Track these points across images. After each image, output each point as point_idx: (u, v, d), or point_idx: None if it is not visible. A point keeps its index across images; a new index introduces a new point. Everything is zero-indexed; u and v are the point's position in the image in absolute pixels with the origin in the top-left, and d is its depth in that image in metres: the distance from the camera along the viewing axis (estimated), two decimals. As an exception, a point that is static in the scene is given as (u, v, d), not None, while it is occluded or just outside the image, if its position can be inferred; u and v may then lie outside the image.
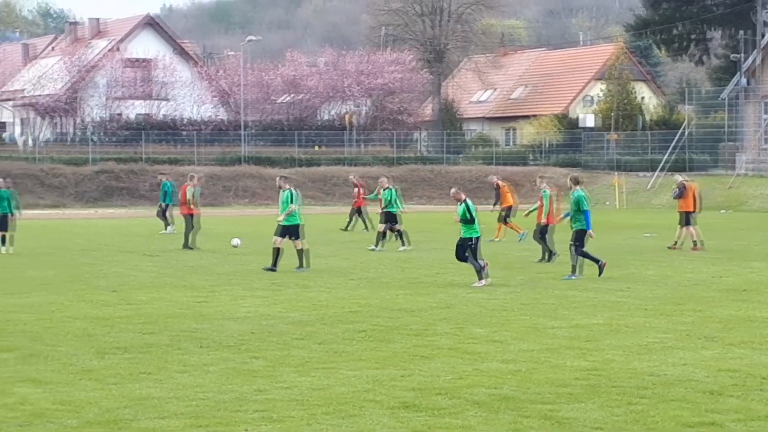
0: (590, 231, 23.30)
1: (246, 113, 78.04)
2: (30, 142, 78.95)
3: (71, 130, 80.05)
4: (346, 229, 39.75)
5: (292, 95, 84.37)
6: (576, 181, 24.08)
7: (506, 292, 20.65)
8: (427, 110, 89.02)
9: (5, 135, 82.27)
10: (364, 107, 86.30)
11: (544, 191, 27.32)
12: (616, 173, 68.04)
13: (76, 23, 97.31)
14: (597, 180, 69.73)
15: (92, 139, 75.63)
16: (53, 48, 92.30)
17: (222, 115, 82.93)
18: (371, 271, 24.73)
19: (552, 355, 13.86)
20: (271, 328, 16.02)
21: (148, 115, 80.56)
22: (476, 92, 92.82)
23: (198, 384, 11.97)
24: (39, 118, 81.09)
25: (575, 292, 20.71)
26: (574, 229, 23.39)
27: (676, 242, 30.67)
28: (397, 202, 32.00)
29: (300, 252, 25.06)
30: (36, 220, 46.23)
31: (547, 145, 78.98)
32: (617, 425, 10.25)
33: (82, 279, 23.18)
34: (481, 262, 21.96)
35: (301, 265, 24.96)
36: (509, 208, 34.45)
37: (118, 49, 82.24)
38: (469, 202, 22.11)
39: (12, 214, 30.63)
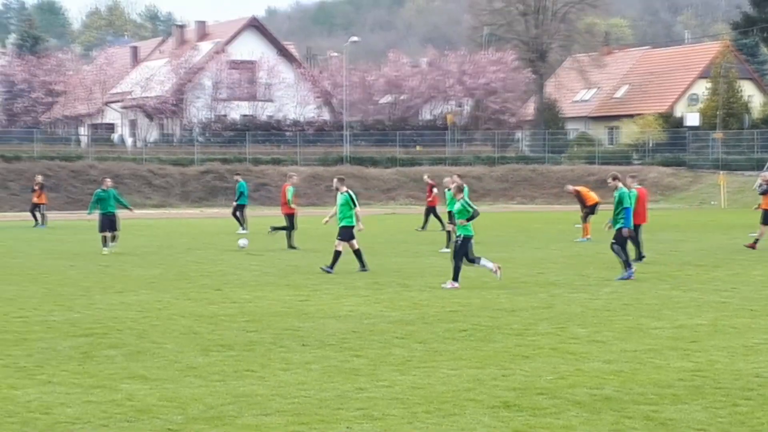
0: (626, 228, 22.91)
1: (348, 114, 78.38)
2: (137, 143, 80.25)
3: (177, 131, 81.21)
4: (423, 229, 39.73)
5: (393, 95, 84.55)
6: (615, 178, 23.78)
7: (608, 292, 20.47)
8: (529, 110, 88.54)
9: (114, 136, 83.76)
10: (466, 107, 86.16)
11: (632, 191, 27.03)
12: (720, 172, 67.00)
13: (182, 26, 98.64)
14: (701, 179, 68.77)
15: (197, 140, 76.61)
16: (160, 51, 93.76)
17: (324, 115, 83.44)
18: (472, 271, 24.67)
19: (655, 355, 13.72)
20: (373, 327, 16.10)
21: (251, 116, 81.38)
22: (578, 91, 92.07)
23: (300, 382, 12.07)
24: (146, 120, 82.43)
25: (679, 292, 20.46)
26: (615, 228, 23.11)
27: (756, 240, 30.27)
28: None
29: (357, 252, 24.83)
30: (143, 220, 47.03)
31: (650, 145, 78.07)
32: (721, 427, 10.11)
33: (187, 277, 23.51)
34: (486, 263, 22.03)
35: (363, 266, 24.75)
36: (594, 205, 34.36)
37: (223, 51, 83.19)
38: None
39: (113, 214, 30.97)
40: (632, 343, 14.68)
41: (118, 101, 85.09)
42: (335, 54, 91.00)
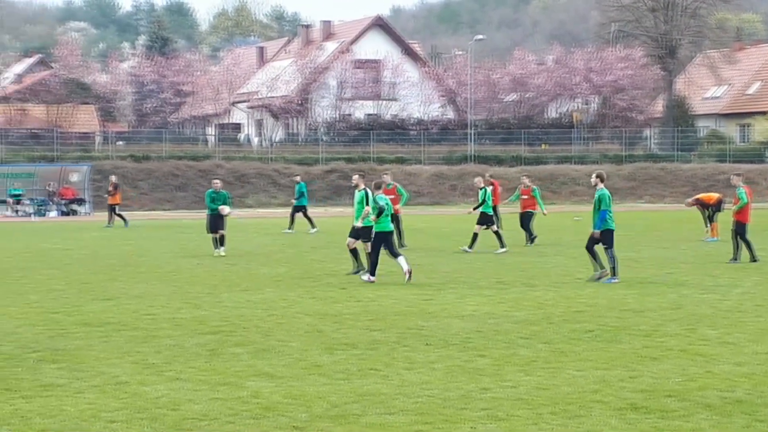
0: (596, 231, 22.17)
1: (473, 112, 78.19)
2: (263, 142, 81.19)
3: (302, 131, 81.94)
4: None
5: (519, 93, 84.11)
6: (599, 177, 22.72)
7: (740, 293, 20.02)
8: (657, 107, 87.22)
9: (240, 136, 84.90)
10: (592, 104, 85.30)
11: (739, 189, 26.42)
12: None
13: (308, 26, 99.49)
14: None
15: (322, 139, 77.20)
16: (286, 51, 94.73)
17: (449, 114, 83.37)
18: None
19: (788, 358, 13.35)
20: (497, 327, 15.98)
21: (376, 115, 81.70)
22: (709, 88, 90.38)
23: (424, 381, 12.03)
24: (272, 119, 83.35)
25: (813, 293, 19.90)
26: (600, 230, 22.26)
27: None
28: (493, 201, 30.98)
29: (354, 252, 24.11)
30: (268, 219, 47.52)
31: (784, 142, 76.38)
32: None
33: (312, 276, 23.65)
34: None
35: (357, 269, 24.00)
36: (719, 203, 33.94)
37: (348, 51, 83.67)
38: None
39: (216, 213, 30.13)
40: (765, 345, 14.32)
41: (244, 101, 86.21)
42: (460, 52, 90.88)
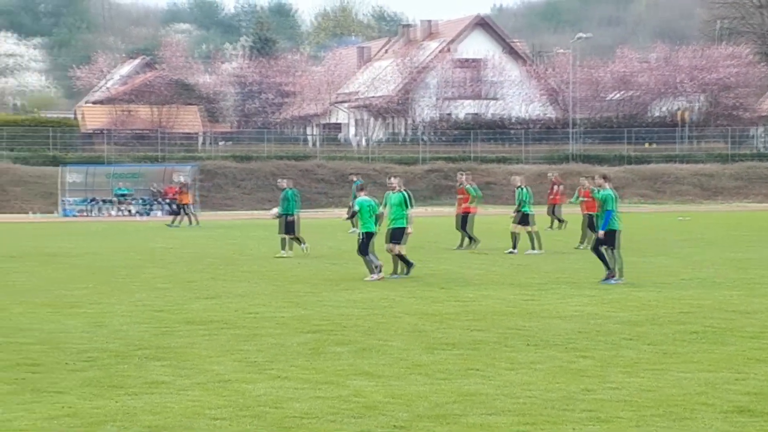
0: (601, 232, 21.88)
1: (575, 111, 77.56)
2: (364, 142, 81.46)
3: (402, 130, 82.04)
4: (551, 228, 38.86)
5: (622, 92, 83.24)
6: (606, 179, 22.44)
7: None
8: (765, 105, 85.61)
9: (341, 136, 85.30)
10: (697, 103, 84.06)
11: None
12: None
13: (409, 26, 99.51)
14: None
15: (422, 139, 77.19)
16: (387, 50, 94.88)
17: (551, 113, 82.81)
18: (703, 270, 24.03)
19: None
20: (600, 328, 15.81)
21: (477, 114, 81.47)
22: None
23: (525, 382, 11.95)
24: (372, 119, 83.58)
25: None
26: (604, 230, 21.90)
27: None
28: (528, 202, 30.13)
29: (398, 257, 23.56)
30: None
31: None
32: None
33: (414, 275, 23.63)
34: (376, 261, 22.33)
35: (395, 271, 23.55)
36: None
37: (449, 50, 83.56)
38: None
39: (292, 215, 29.69)
40: None
41: (345, 101, 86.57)
42: (562, 50, 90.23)
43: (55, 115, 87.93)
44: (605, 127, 78.49)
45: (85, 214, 58.99)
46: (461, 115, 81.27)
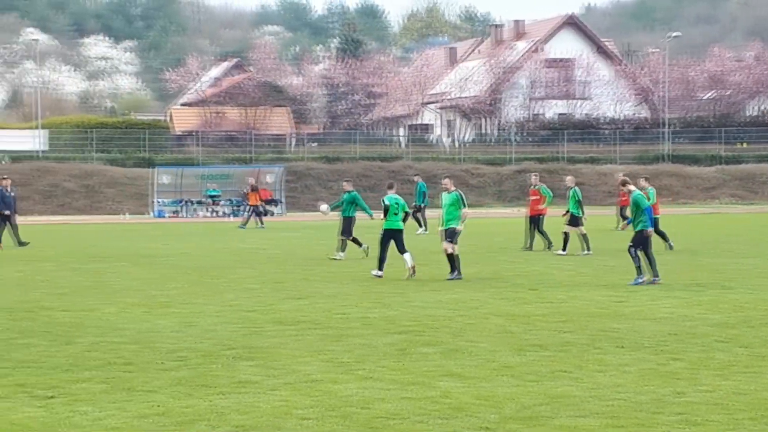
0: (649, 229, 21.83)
1: (668, 110, 76.68)
2: (454, 143, 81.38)
3: (492, 131, 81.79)
4: (617, 228, 38.20)
5: (714, 91, 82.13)
6: (624, 183, 22.54)
7: None
8: None
9: (431, 136, 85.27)
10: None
11: None
12: None
13: (499, 26, 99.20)
14: None
15: (512, 140, 76.89)
16: (477, 51, 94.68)
17: (643, 112, 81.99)
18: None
19: None
20: (692, 330, 15.59)
21: (567, 114, 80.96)
22: None
23: (616, 384, 11.81)
24: (462, 120, 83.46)
25: None
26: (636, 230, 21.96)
27: None
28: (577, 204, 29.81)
29: (449, 257, 23.23)
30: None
31: None
32: None
33: (502, 277, 23.55)
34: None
35: (453, 271, 23.16)
36: None
37: (539, 50, 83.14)
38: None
39: (351, 217, 29.64)
40: None
41: (435, 102, 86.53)
42: (655, 50, 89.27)
43: (146, 118, 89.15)
44: (698, 126, 77.52)
45: (176, 215, 59.72)
46: (551, 115, 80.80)
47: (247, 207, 47.75)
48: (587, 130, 77.18)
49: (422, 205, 40.44)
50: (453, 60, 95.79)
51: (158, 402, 11.02)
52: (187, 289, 21.49)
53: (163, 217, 58.90)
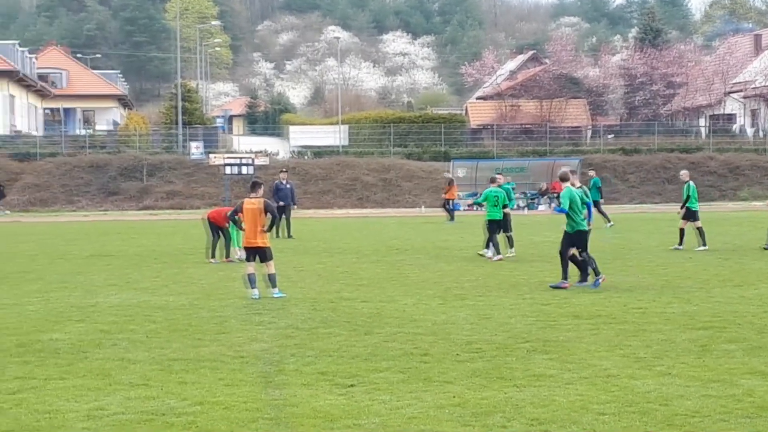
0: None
1: None
2: (757, 132, 78.51)
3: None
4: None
5: None
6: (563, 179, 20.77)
7: None
8: None
9: (735, 127, 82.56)
10: None
11: None
12: None
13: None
14: None
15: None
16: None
17: None
18: None
19: None
20: None
21: None
22: None
23: None
24: (767, 109, 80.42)
25: None
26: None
27: None
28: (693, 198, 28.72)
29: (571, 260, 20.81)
30: (759, 212, 45.77)
31: None
32: None
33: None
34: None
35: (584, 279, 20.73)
36: None
37: None
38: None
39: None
40: None
41: (739, 91, 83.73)
42: None
43: (443, 112, 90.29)
44: None
45: (471, 208, 60.19)
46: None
47: (446, 201, 47.46)
48: None
49: (598, 201, 39.26)
50: (758, 47, 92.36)
51: (454, 393, 11.11)
52: (482, 282, 21.61)
53: (458, 210, 59.49)
